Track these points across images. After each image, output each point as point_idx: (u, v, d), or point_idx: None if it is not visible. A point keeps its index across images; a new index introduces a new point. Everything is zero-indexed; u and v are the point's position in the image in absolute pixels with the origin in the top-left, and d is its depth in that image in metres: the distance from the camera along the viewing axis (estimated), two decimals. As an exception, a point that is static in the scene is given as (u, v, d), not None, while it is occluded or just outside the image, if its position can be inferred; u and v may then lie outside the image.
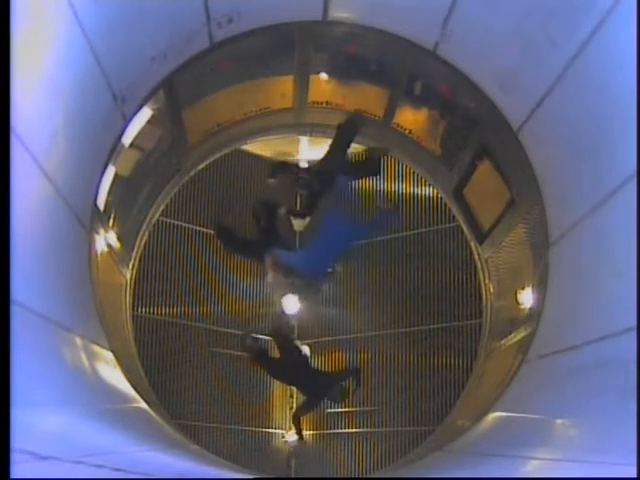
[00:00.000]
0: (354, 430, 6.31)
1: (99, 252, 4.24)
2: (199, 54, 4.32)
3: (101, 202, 4.13)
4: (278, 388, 6.41)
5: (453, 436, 4.60)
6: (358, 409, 6.29)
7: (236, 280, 6.47)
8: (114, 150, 4.07)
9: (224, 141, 5.90)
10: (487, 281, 5.67)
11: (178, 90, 4.59)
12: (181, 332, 6.16)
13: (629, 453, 1.94)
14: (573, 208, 3.60)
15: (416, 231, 6.38)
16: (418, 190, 6.41)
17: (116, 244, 4.81)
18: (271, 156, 6.64)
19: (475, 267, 5.83)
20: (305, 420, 6.42)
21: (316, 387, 5.49)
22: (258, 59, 4.90)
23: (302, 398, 5.82)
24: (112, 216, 4.56)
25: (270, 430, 6.42)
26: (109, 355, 3.90)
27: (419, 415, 6.07)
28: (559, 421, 3.06)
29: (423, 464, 4.73)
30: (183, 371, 6.12)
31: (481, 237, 5.53)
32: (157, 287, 6.04)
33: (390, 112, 5.52)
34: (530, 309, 4.48)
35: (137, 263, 5.73)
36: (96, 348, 3.64)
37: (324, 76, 5.33)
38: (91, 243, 3.95)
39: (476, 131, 4.88)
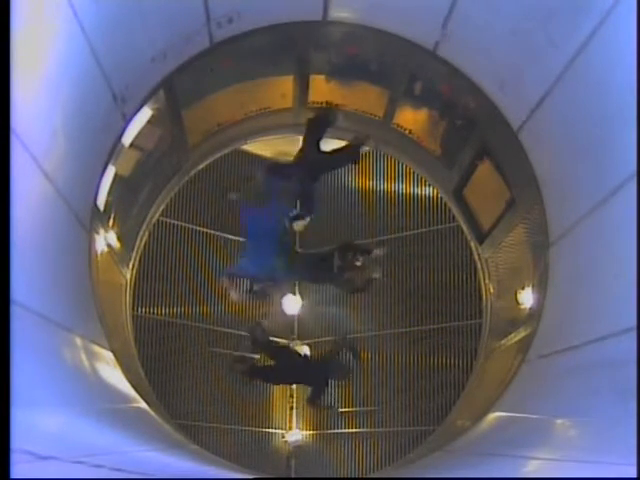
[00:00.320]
0: (354, 430, 6.30)
1: (99, 252, 4.24)
2: (199, 54, 4.33)
3: (101, 202, 4.13)
4: (278, 388, 6.41)
5: (453, 436, 4.60)
6: (358, 409, 6.29)
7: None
8: (114, 150, 4.07)
9: (224, 141, 5.90)
10: (487, 281, 5.67)
11: (178, 90, 4.59)
12: (181, 332, 6.15)
13: (629, 453, 1.94)
14: (573, 208, 3.59)
15: (416, 231, 6.36)
16: (418, 190, 6.40)
17: (116, 244, 4.81)
18: (271, 156, 6.63)
19: (475, 267, 5.83)
20: (305, 420, 6.43)
21: (316, 375, 5.51)
22: (258, 59, 4.89)
23: (305, 394, 5.81)
24: (112, 216, 4.56)
25: (270, 430, 6.41)
26: (109, 355, 3.90)
27: (419, 415, 6.06)
28: (559, 421, 3.05)
29: (423, 464, 4.73)
30: (183, 371, 6.11)
31: (481, 237, 5.54)
32: (157, 287, 6.04)
33: (390, 112, 5.52)
34: (530, 309, 4.48)
35: (137, 263, 5.73)
36: (96, 348, 3.64)
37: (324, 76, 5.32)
38: (91, 243, 3.95)
39: (476, 131, 4.88)
